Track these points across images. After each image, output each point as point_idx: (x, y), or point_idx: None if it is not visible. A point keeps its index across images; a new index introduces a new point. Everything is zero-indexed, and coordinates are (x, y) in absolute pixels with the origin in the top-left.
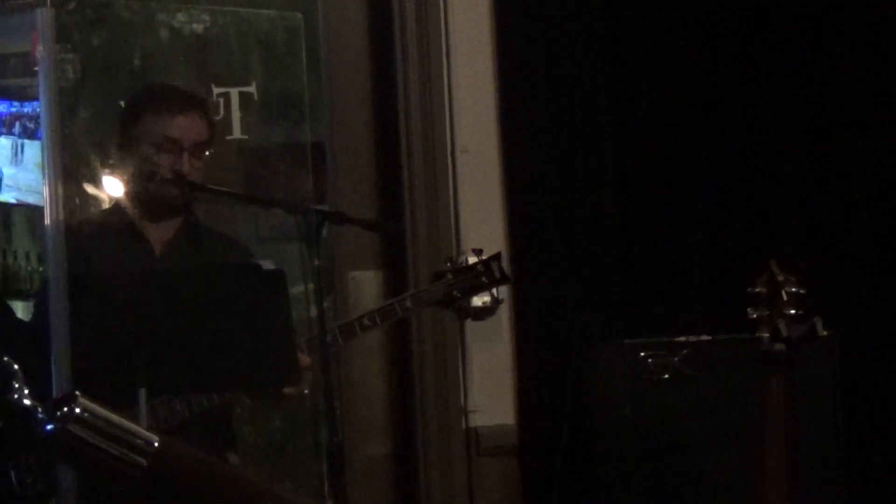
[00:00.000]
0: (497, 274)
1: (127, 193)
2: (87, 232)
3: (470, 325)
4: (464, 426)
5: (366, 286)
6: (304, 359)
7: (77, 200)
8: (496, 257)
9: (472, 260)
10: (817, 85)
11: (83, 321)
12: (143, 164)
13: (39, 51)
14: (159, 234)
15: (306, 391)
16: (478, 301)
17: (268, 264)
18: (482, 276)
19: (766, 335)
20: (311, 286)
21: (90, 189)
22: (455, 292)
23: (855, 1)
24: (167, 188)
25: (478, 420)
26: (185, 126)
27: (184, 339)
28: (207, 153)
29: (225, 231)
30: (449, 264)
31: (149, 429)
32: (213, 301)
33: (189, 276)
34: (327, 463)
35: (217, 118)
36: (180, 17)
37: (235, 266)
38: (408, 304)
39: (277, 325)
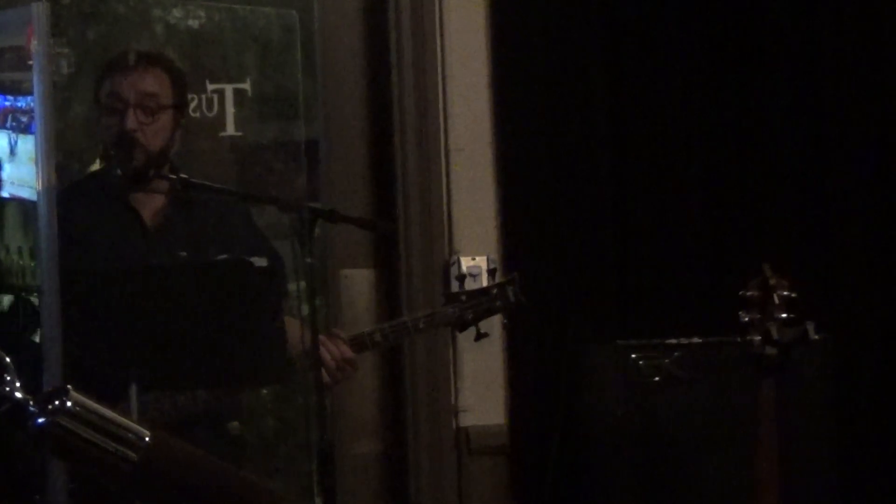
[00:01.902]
0: (512, 298)
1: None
2: (75, 203)
3: None
4: (454, 425)
5: (358, 284)
6: (347, 350)
7: None
8: (512, 281)
9: (473, 265)
10: (812, 88)
11: (74, 315)
12: (102, 132)
13: (34, 45)
14: (149, 204)
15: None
16: None
17: (260, 261)
18: (497, 300)
19: (758, 338)
20: (303, 284)
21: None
22: (468, 315)
23: (853, 4)
24: (123, 153)
25: (468, 419)
26: (129, 81)
27: (175, 334)
28: (167, 112)
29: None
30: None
31: (142, 422)
32: (205, 297)
33: (180, 271)
34: (317, 461)
35: (211, 114)
36: (176, 12)
37: (227, 262)
38: (421, 325)
39: (268, 322)
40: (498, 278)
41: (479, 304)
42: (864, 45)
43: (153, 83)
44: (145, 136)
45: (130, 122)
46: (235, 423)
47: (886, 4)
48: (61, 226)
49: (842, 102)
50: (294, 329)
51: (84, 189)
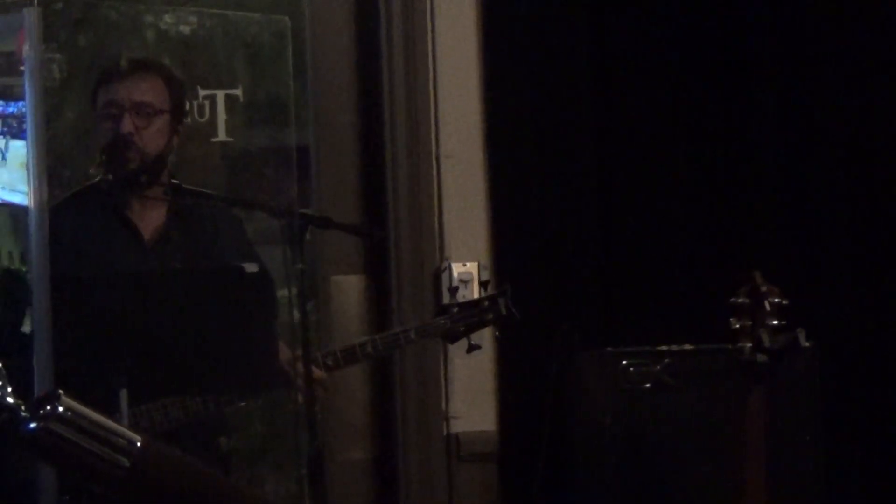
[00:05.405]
0: (504, 310)
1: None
2: (71, 218)
3: None
4: (445, 432)
5: (349, 291)
6: (317, 372)
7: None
8: (504, 293)
9: (465, 271)
10: (799, 94)
11: (66, 321)
12: (98, 139)
13: (26, 50)
14: (148, 219)
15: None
16: None
17: (251, 267)
18: (489, 312)
19: (749, 345)
20: (294, 290)
21: None
22: (460, 327)
23: (838, 12)
24: (117, 157)
25: (459, 426)
26: (125, 87)
27: (166, 340)
28: (163, 117)
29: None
30: (451, 293)
31: (134, 428)
32: (196, 303)
33: (172, 277)
34: (307, 467)
35: (202, 120)
36: (167, 18)
37: (219, 269)
38: (412, 335)
39: (259, 328)
40: (490, 289)
41: (471, 315)
42: (850, 52)
43: (148, 89)
44: (142, 140)
45: (126, 125)
46: (224, 439)
47: (868, 11)
48: (57, 240)
49: (832, 109)
50: (282, 351)
51: (79, 203)
